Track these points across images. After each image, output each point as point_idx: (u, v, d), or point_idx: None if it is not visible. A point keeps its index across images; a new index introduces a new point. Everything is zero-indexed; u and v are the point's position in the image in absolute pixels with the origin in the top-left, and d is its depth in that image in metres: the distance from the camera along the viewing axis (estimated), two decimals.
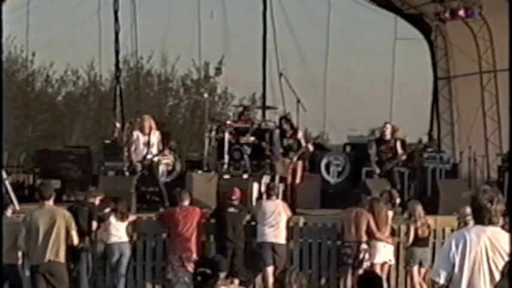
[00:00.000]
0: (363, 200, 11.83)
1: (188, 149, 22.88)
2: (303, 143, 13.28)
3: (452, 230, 11.47)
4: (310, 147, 13.67)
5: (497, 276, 5.22)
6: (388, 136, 13.70)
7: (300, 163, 13.31)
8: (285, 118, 13.70)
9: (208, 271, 5.96)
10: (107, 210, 11.39)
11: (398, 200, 12.18)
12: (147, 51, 24.77)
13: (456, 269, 5.27)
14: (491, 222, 5.33)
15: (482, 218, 5.35)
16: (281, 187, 12.79)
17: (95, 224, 11.06)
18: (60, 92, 27.28)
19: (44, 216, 9.54)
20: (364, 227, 11.41)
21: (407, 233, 11.57)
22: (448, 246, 5.37)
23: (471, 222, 9.88)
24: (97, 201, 11.35)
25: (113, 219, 11.31)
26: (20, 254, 10.12)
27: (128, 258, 11.41)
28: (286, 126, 13.35)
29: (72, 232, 9.66)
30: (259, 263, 11.59)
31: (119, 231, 11.34)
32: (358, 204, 11.72)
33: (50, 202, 9.74)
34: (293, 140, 13.26)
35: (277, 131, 13.77)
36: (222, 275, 6.12)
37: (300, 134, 13.42)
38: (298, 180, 13.21)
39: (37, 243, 9.51)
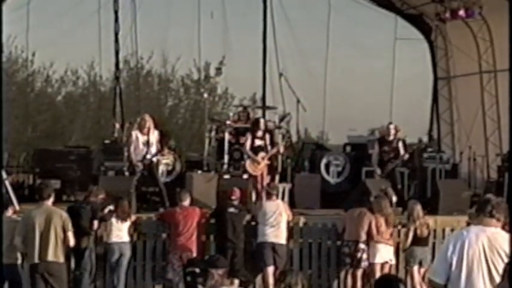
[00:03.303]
0: (364, 201, 11.84)
1: (188, 149, 22.88)
2: (269, 147, 13.41)
3: (452, 230, 11.49)
4: (281, 149, 13.84)
5: (496, 276, 5.22)
6: (391, 137, 13.72)
7: (266, 164, 13.41)
8: (257, 120, 13.85)
9: (197, 270, 5.94)
10: (109, 208, 11.35)
11: (394, 199, 12.18)
12: (147, 51, 24.77)
13: (454, 268, 5.28)
14: (491, 215, 5.33)
15: (483, 209, 5.35)
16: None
17: (96, 223, 11.06)
18: (60, 92, 27.24)
19: (41, 216, 9.53)
20: (365, 227, 11.42)
21: (406, 234, 11.58)
22: (446, 246, 5.39)
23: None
24: (98, 200, 11.34)
25: (114, 219, 11.29)
26: (18, 253, 10.12)
27: (127, 259, 11.40)
28: (260, 127, 13.44)
29: (69, 233, 9.64)
30: (260, 263, 11.59)
31: (121, 231, 11.32)
32: (361, 204, 11.73)
33: (49, 202, 9.73)
34: (263, 141, 13.42)
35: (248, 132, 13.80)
36: (219, 271, 6.08)
37: (268, 137, 13.56)
38: (265, 179, 13.29)
39: (34, 243, 9.50)
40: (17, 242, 9.68)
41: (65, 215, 9.78)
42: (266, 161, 13.41)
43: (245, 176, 13.37)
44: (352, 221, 11.54)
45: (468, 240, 5.28)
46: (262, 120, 13.95)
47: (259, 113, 17.08)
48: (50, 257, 9.53)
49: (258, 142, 13.44)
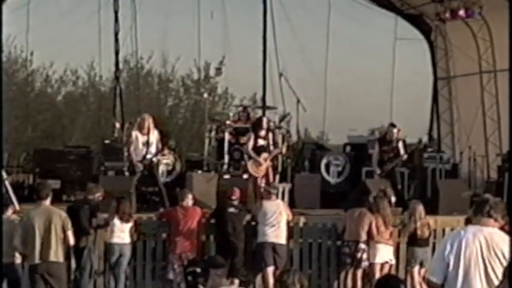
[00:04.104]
0: (364, 200, 11.83)
1: (188, 149, 22.88)
2: (272, 147, 13.28)
3: (452, 230, 11.48)
4: (284, 150, 13.73)
5: (493, 276, 5.22)
6: (393, 137, 13.69)
7: (270, 164, 13.27)
8: (259, 119, 13.76)
9: (198, 270, 5.96)
10: (109, 213, 11.32)
11: (393, 199, 12.17)
12: (147, 51, 24.77)
13: (451, 268, 5.28)
14: (489, 215, 5.33)
15: (481, 210, 5.35)
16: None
17: (94, 221, 11.05)
18: (60, 92, 27.24)
19: (40, 217, 9.53)
20: (366, 227, 11.42)
21: (405, 230, 11.57)
22: (443, 246, 5.38)
23: None
24: (96, 198, 11.30)
25: (117, 220, 11.26)
26: (17, 253, 10.12)
27: (127, 259, 11.38)
28: (263, 126, 13.33)
29: (68, 232, 9.65)
30: (260, 263, 11.59)
31: (123, 232, 11.29)
32: (361, 204, 11.73)
33: (47, 202, 9.72)
34: (265, 141, 13.27)
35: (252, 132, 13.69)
36: (217, 271, 6.08)
37: (271, 136, 13.42)
38: (271, 180, 13.19)
39: (34, 243, 9.49)
40: (17, 243, 9.67)
41: (64, 214, 9.78)
42: (268, 162, 13.29)
43: (245, 176, 13.36)
44: (353, 221, 11.53)
45: (465, 239, 5.29)
46: (264, 119, 13.70)
47: (259, 113, 17.08)
48: (51, 257, 9.52)
49: (260, 142, 13.27)
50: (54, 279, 9.61)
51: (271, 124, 14.49)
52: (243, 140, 14.19)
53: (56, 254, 9.57)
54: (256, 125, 13.52)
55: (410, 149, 14.25)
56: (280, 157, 14.20)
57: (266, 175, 13.21)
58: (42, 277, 9.57)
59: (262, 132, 13.30)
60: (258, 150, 13.24)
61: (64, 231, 9.61)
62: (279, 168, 14.22)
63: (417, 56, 21.12)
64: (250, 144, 13.30)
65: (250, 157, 13.27)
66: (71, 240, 9.74)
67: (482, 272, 5.27)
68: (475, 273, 5.26)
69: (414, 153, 15.53)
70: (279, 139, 14.34)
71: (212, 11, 20.64)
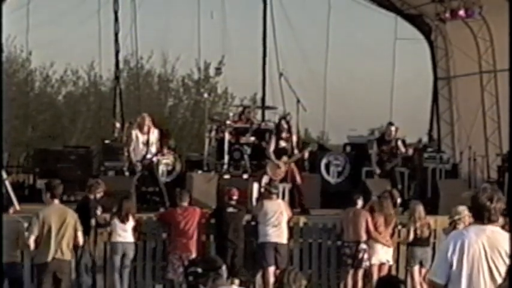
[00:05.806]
0: (355, 199, 11.77)
1: (188, 149, 22.88)
2: (296, 150, 13.15)
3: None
4: (306, 155, 13.65)
5: (497, 275, 5.21)
6: (391, 137, 13.68)
7: (293, 166, 13.14)
8: (284, 119, 13.66)
9: (199, 270, 5.96)
10: (108, 214, 11.33)
11: (399, 200, 12.19)
12: (147, 51, 24.80)
13: (454, 268, 5.26)
14: (490, 221, 5.32)
15: (481, 216, 5.34)
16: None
17: (93, 221, 11.05)
18: (60, 92, 27.27)
19: (55, 215, 9.58)
20: (363, 226, 11.42)
21: (407, 233, 11.58)
22: (446, 246, 5.36)
23: (465, 221, 9.95)
24: (98, 196, 11.29)
25: (118, 220, 11.24)
26: (18, 252, 10.13)
27: (130, 260, 11.37)
28: (283, 128, 13.26)
29: (79, 233, 9.72)
30: (262, 263, 11.58)
31: (125, 231, 11.28)
32: (355, 204, 11.72)
33: (57, 201, 9.78)
34: (288, 143, 13.20)
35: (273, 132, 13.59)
36: (216, 272, 6.09)
37: (294, 139, 13.32)
38: (299, 181, 13.12)
39: (50, 241, 9.51)
40: (30, 241, 9.61)
41: (75, 214, 9.85)
42: (289, 165, 13.00)
43: (245, 176, 13.35)
44: (349, 222, 11.54)
45: (468, 239, 5.27)
46: (283, 121, 13.51)
47: (259, 113, 17.08)
48: (63, 255, 9.59)
49: (282, 144, 13.12)
50: (64, 276, 9.68)
51: (270, 124, 14.47)
52: (243, 140, 14.19)
53: (67, 252, 9.66)
54: (278, 126, 13.42)
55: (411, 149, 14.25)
56: None
57: (291, 177, 13.02)
58: (53, 274, 9.59)
59: (284, 134, 13.17)
60: (280, 152, 13.08)
61: (75, 230, 9.65)
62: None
63: (417, 56, 21.17)
64: (272, 146, 13.17)
65: (270, 159, 13.05)
66: (81, 240, 9.83)
67: (486, 271, 5.26)
68: (479, 273, 5.25)
69: (414, 153, 15.52)
70: (301, 143, 14.12)
71: (212, 11, 20.68)
